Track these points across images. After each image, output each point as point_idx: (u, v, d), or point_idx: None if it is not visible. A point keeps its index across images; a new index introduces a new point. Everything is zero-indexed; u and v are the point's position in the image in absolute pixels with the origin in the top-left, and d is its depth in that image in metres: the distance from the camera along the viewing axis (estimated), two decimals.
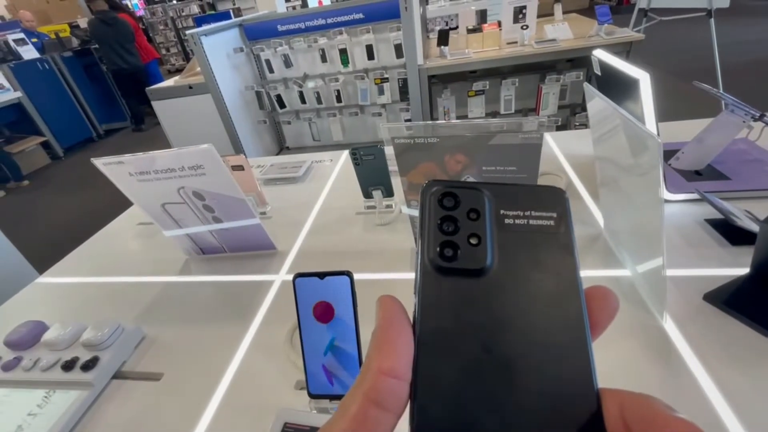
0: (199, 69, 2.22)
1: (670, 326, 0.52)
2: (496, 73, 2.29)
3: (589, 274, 0.63)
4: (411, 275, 0.69)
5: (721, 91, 0.74)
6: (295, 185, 1.09)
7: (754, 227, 0.63)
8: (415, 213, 0.69)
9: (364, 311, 0.65)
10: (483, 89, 2.24)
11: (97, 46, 4.37)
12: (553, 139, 1.08)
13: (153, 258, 0.87)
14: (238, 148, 2.34)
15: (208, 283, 0.77)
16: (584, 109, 2.32)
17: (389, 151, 0.61)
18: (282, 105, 2.53)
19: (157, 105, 2.41)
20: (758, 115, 0.71)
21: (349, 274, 0.43)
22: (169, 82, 2.56)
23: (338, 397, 0.47)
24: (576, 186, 0.86)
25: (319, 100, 2.49)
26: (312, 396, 0.48)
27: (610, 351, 0.50)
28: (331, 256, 0.78)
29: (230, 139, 2.35)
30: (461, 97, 2.33)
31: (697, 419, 0.38)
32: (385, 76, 2.33)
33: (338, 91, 2.44)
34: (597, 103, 0.58)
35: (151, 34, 7.32)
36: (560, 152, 1.01)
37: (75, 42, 4.86)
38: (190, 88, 2.31)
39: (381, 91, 2.39)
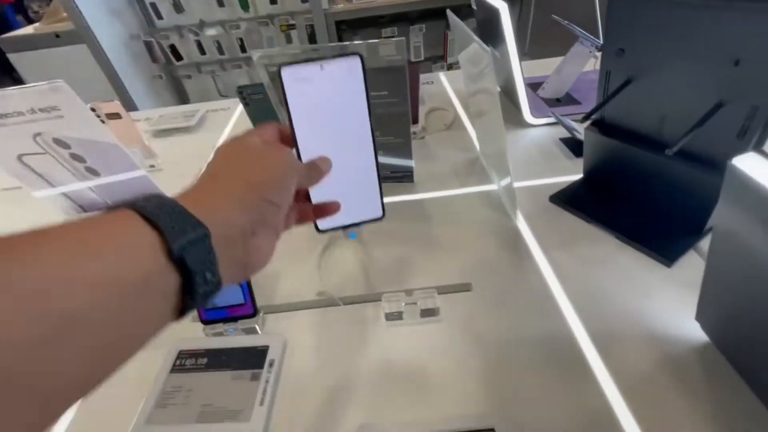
0: (65, 14, 1.89)
1: (522, 224, 0.63)
2: (404, 18, 2.28)
3: (464, 191, 0.72)
4: None
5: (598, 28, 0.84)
6: (189, 135, 1.03)
7: None
8: None
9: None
10: (392, 35, 2.23)
11: None
12: (446, 78, 1.14)
13: (28, 227, 0.79)
14: (132, 107, 2.10)
15: None
16: (445, 60, 2.44)
17: None
18: (178, 57, 2.29)
19: (16, 58, 2.03)
20: (600, 45, 0.82)
21: None
22: (27, 29, 2.15)
23: (231, 320, 0.50)
24: (462, 118, 0.94)
25: (220, 51, 2.29)
26: (205, 322, 0.50)
27: (477, 247, 0.59)
28: None
29: (119, 97, 2.09)
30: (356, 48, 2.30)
31: (532, 282, 0.47)
32: (291, 22, 2.20)
33: (241, 39, 2.26)
34: (469, 46, 0.63)
35: None
36: (451, 90, 1.08)
37: None
38: (58, 36, 1.97)
39: (288, 39, 2.26)
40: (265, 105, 0.78)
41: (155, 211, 0.21)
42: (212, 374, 0.45)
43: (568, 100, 0.91)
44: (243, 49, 2.28)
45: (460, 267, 0.56)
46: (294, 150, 0.33)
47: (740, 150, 0.45)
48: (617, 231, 0.57)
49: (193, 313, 0.54)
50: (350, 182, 0.36)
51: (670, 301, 0.48)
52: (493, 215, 0.65)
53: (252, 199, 0.26)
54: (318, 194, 0.35)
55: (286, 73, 0.30)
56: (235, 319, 0.50)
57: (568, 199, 0.65)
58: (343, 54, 0.31)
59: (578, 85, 0.93)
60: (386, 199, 0.72)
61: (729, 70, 0.41)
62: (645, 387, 0.41)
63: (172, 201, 0.23)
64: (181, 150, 0.97)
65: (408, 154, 0.68)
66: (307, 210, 0.36)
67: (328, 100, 0.32)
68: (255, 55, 0.54)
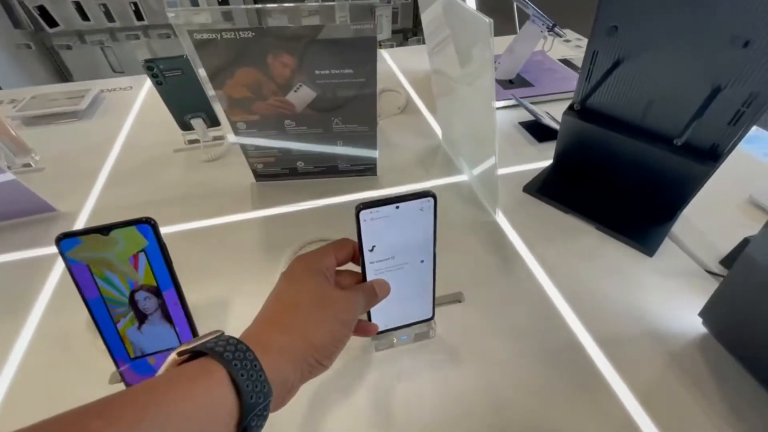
0: None
1: (501, 219, 0.58)
2: None
3: (432, 183, 0.65)
4: (255, 214, 0.59)
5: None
6: (78, 123, 0.81)
7: (554, 125, 0.73)
8: (248, 141, 0.57)
9: (218, 261, 0.53)
10: (317, 12, 2.05)
11: None
12: (390, 56, 1.05)
13: None
14: None
15: None
16: (415, 33, 2.39)
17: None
18: (52, 23, 1.85)
19: None
20: (551, 24, 0.80)
21: (148, 221, 0.31)
22: None
23: None
24: (415, 101, 0.86)
25: (109, 17, 1.90)
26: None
27: (460, 249, 0.53)
28: (145, 207, 0.61)
29: None
30: (293, 18, 2.09)
31: (527, 288, 0.41)
32: None
33: (135, 3, 1.90)
34: (430, 12, 0.54)
35: None
36: (398, 69, 0.99)
37: None
38: None
39: (194, 3, 1.95)
40: (187, 84, 0.63)
41: (240, 372, 0.23)
42: None
43: (520, 81, 0.88)
44: (139, 16, 1.93)
45: (447, 274, 0.49)
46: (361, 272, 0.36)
47: (729, 138, 0.44)
48: (597, 222, 0.55)
49: (108, 365, 0.40)
50: (409, 294, 0.39)
51: (660, 293, 0.47)
52: (470, 210, 0.60)
53: (310, 362, 0.27)
54: (378, 306, 0.37)
55: (363, 214, 0.32)
56: None
57: (542, 188, 0.61)
58: (418, 195, 0.33)
59: (527, 66, 0.91)
60: (348, 197, 0.63)
61: (731, 53, 0.38)
62: (659, 391, 0.38)
63: (252, 355, 0.24)
64: (68, 143, 0.75)
65: (372, 144, 0.59)
66: (359, 326, 0.37)
67: (399, 233, 0.34)
68: (172, 14, 0.39)
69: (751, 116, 0.41)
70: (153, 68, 0.59)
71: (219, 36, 0.41)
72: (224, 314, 0.46)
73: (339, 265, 0.34)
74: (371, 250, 0.34)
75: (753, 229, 0.52)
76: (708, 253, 0.51)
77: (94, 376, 0.40)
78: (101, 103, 0.87)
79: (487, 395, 0.38)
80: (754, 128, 0.75)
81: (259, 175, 0.63)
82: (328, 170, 0.63)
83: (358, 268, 0.36)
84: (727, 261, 0.50)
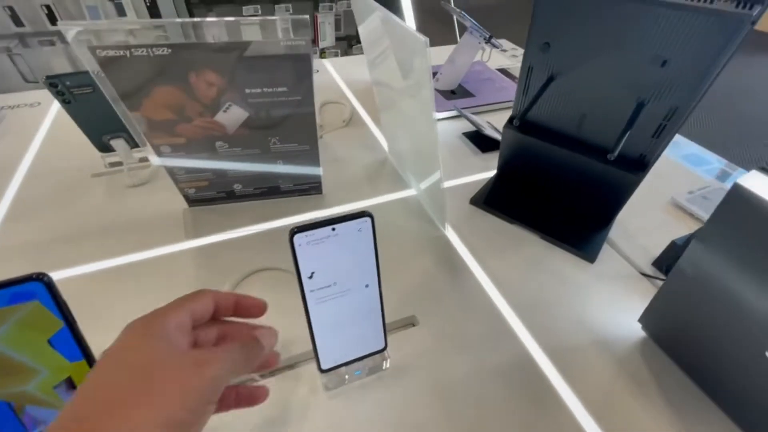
0: None
1: (450, 233, 0.57)
2: None
3: (380, 199, 0.63)
4: (189, 244, 0.54)
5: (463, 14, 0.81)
6: None
7: (497, 135, 0.74)
8: (175, 163, 0.52)
9: (147, 301, 0.47)
10: (256, 14, 1.98)
11: None
12: (333, 66, 1.03)
13: None
14: None
15: None
16: (359, 41, 2.39)
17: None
18: None
19: None
20: (488, 36, 0.82)
21: (39, 278, 0.26)
22: None
23: None
24: (360, 113, 0.85)
25: (16, 21, 1.70)
26: None
27: (411, 266, 0.52)
28: (53, 245, 0.53)
29: None
30: (232, 26, 2.00)
31: (479, 304, 0.40)
32: None
33: (48, 6, 1.71)
34: (368, 23, 0.53)
35: None
36: (341, 80, 0.97)
37: None
38: None
39: (121, 11, 1.80)
40: (100, 102, 0.56)
41: None
42: None
43: (462, 92, 0.90)
44: (53, 20, 1.74)
45: (398, 296, 0.48)
46: (303, 308, 0.34)
47: (654, 148, 0.47)
48: (540, 231, 0.57)
49: None
50: (358, 323, 0.37)
51: (603, 298, 0.49)
52: (419, 225, 0.59)
53: None
54: (323, 336, 0.36)
55: (298, 239, 0.31)
56: None
57: (487, 200, 0.62)
58: (354, 216, 0.32)
59: (467, 77, 0.93)
60: (291, 219, 0.59)
61: (653, 70, 0.40)
62: (608, 400, 0.39)
63: None
64: None
65: (315, 161, 0.56)
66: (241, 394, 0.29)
67: (338, 257, 0.33)
68: (70, 32, 0.34)
69: (672, 128, 0.43)
70: (57, 85, 0.52)
71: (128, 53, 0.37)
72: None
73: (197, 321, 0.26)
74: (310, 277, 0.32)
75: (678, 230, 0.56)
76: (641, 256, 0.54)
77: None
78: (4, 119, 0.76)
79: (448, 421, 0.37)
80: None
81: (191, 201, 0.58)
82: (270, 191, 0.59)
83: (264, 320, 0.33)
84: (658, 263, 0.53)
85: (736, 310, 0.32)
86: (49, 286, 0.27)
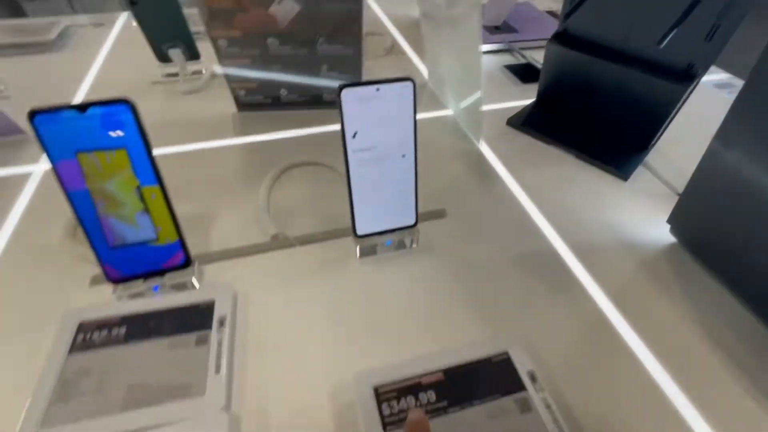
0: None
1: (484, 148, 0.59)
2: None
3: (423, 115, 0.65)
4: (236, 140, 0.58)
5: None
6: (47, 55, 0.76)
7: (538, 66, 0.73)
8: (230, 67, 0.55)
9: (198, 183, 0.51)
10: None
11: None
12: (375, 1, 1.03)
13: None
14: None
15: None
16: None
17: None
18: None
19: None
20: None
21: (126, 101, 0.30)
22: None
23: (154, 273, 0.37)
24: (401, 44, 0.85)
25: None
26: (116, 281, 0.37)
27: (442, 174, 0.54)
28: None
29: None
30: None
31: (508, 210, 0.41)
32: None
33: None
34: None
35: None
36: (383, 13, 0.97)
37: None
38: None
39: None
40: (164, 5, 0.60)
41: None
42: (137, 346, 0.33)
43: (506, 28, 0.88)
44: None
45: (430, 193, 0.50)
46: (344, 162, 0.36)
47: (705, 56, 0.45)
48: (576, 150, 0.57)
49: (93, 273, 0.40)
50: (392, 192, 0.39)
51: (633, 210, 0.49)
52: (453, 140, 0.60)
53: None
54: (361, 201, 0.39)
55: (345, 94, 0.33)
56: (160, 273, 0.38)
57: (525, 121, 0.62)
58: (398, 79, 0.34)
59: (514, 14, 0.91)
60: (332, 127, 0.62)
61: None
62: (629, 291, 0.41)
63: None
64: (36, 75, 0.71)
65: (357, 70, 0.58)
66: None
67: (379, 120, 0.35)
68: None
69: (726, 31, 0.42)
70: None
71: None
72: (206, 230, 0.45)
73: None
74: (354, 137, 0.35)
75: None
76: (678, 179, 0.54)
77: (74, 282, 0.39)
78: (71, 37, 0.82)
79: (470, 296, 0.40)
80: (726, 75, 0.77)
81: (241, 104, 0.62)
82: (313, 100, 0.62)
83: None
84: None
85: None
86: (134, 110, 0.31)
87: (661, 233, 0.46)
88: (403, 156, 0.38)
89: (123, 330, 0.34)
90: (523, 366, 0.32)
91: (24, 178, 0.51)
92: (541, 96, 0.64)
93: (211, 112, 0.63)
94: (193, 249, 0.40)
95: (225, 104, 0.62)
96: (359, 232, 0.41)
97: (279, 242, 0.44)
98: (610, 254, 0.44)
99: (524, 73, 0.75)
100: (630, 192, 0.52)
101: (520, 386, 0.30)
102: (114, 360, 0.32)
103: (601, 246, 0.45)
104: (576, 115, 0.60)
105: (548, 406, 0.29)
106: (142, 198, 0.34)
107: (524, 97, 0.69)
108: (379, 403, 0.29)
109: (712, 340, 0.36)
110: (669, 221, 0.44)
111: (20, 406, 0.29)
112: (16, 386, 0.31)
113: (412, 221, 0.42)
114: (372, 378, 0.30)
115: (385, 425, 0.28)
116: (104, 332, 0.34)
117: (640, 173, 0.55)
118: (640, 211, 0.49)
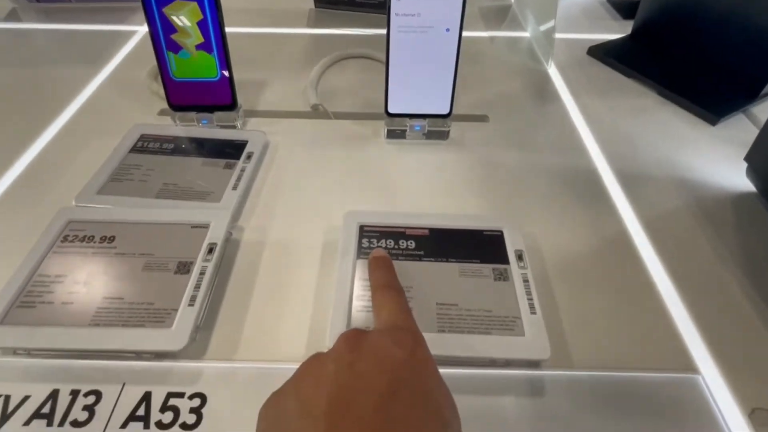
0: None
1: (553, 72, 0.54)
2: None
3: (496, 33, 0.62)
4: (308, 30, 0.61)
5: None
6: None
7: None
8: None
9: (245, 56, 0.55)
10: None
11: None
12: None
13: None
14: None
15: (45, 32, 0.61)
16: None
17: None
18: None
19: None
20: None
21: None
22: None
23: (206, 109, 0.42)
24: None
25: None
26: (175, 108, 0.42)
27: (498, 84, 0.51)
28: None
29: None
30: None
31: (556, 126, 0.38)
32: None
33: None
34: None
35: None
36: None
37: None
38: None
39: None
40: None
41: None
42: (178, 158, 0.39)
43: None
44: None
45: (478, 100, 0.48)
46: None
47: None
48: (661, 85, 0.50)
49: (161, 104, 0.46)
50: (430, 72, 0.39)
51: (708, 155, 0.42)
52: (521, 59, 0.57)
53: None
54: (397, 78, 0.39)
55: None
56: (210, 109, 0.42)
57: (609, 52, 0.55)
58: None
59: None
60: None
61: None
62: (668, 221, 0.36)
63: None
64: None
65: None
66: None
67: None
68: None
69: None
70: None
71: None
72: (258, 92, 0.49)
73: None
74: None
75: None
76: None
77: (148, 110, 0.46)
78: None
79: (488, 190, 0.38)
80: None
81: (318, 0, 0.64)
82: (385, 5, 0.61)
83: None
84: None
85: None
86: None
87: (736, 182, 0.39)
88: (447, 30, 0.37)
89: (171, 145, 0.40)
90: (513, 245, 0.31)
91: (130, 34, 0.60)
92: (636, 28, 0.56)
93: (289, 5, 0.67)
94: (244, 104, 0.45)
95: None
96: (390, 110, 0.41)
97: (317, 112, 0.46)
98: (659, 186, 0.39)
99: (626, 8, 0.65)
100: (714, 138, 0.45)
101: (503, 260, 0.30)
102: (159, 164, 0.38)
103: (652, 177, 0.40)
104: (672, 51, 0.52)
105: (526, 281, 0.28)
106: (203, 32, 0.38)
107: (620, 32, 0.61)
108: (360, 237, 0.31)
109: (754, 304, 0.31)
110: (746, 159, 0.37)
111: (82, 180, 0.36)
112: (83, 168, 0.38)
113: (445, 110, 0.41)
114: (360, 217, 0.32)
115: (359, 254, 0.30)
116: (157, 144, 0.40)
117: (736, 121, 0.46)
118: (718, 157, 0.42)
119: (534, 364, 0.26)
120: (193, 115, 0.42)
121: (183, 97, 0.42)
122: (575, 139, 0.44)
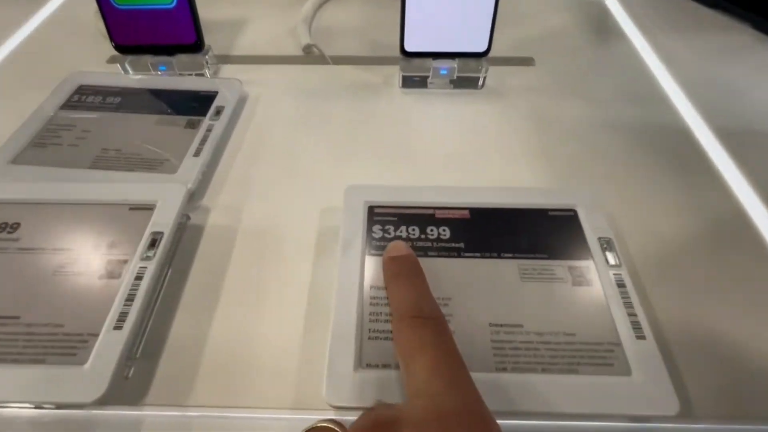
0: None
1: (612, 2, 0.42)
2: None
3: None
4: None
5: None
6: None
7: None
8: None
9: None
10: None
11: None
12: None
13: None
14: None
15: None
16: None
17: None
18: None
19: None
20: None
21: None
22: None
23: (162, 51, 0.32)
24: None
25: None
26: (121, 50, 0.32)
27: (543, 22, 0.40)
28: None
29: None
30: None
31: (625, 72, 0.24)
32: None
33: None
34: None
35: None
36: None
37: None
38: None
39: None
40: None
41: None
42: (124, 116, 0.29)
43: None
44: None
45: (520, 40, 0.37)
46: None
47: None
48: (759, 15, 0.38)
49: (112, 51, 0.35)
50: (462, 1, 0.28)
51: None
52: None
53: None
54: (418, 4, 0.28)
55: None
56: (169, 51, 0.32)
57: None
58: None
59: None
60: None
61: None
62: None
63: None
64: None
65: None
66: None
67: None
68: None
69: None
70: None
71: None
72: (235, 32, 0.38)
73: None
74: None
75: None
76: None
77: (94, 56, 0.36)
78: None
79: (541, 153, 0.28)
80: None
81: None
82: None
83: None
84: None
85: None
86: None
87: None
88: None
89: (117, 99, 0.30)
90: (595, 231, 0.21)
91: None
92: None
93: None
94: (218, 47, 0.35)
95: None
96: (408, 47, 0.30)
97: (311, 56, 0.36)
98: None
99: None
100: None
101: (582, 254, 0.20)
102: (98, 124, 0.28)
103: (760, 132, 0.30)
104: None
105: (622, 285, 0.19)
106: None
107: None
108: (370, 223, 0.21)
109: None
110: None
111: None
112: (9, 132, 0.28)
113: (483, 47, 0.30)
114: (368, 193, 0.22)
115: (369, 248, 0.20)
116: (99, 98, 0.30)
117: None
118: None
119: (641, 417, 0.17)
120: (147, 60, 0.32)
121: (130, 33, 0.31)
122: (653, 88, 0.33)
